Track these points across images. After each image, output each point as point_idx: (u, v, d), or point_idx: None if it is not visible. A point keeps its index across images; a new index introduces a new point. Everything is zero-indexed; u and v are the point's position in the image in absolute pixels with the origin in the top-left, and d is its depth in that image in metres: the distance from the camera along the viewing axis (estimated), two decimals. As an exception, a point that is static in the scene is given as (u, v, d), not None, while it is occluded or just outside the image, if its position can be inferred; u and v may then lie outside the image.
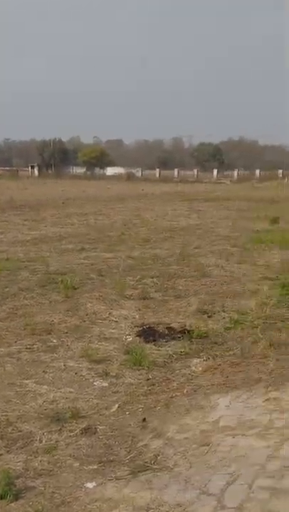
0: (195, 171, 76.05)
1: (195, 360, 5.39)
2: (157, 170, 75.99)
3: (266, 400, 4.23)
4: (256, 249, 12.71)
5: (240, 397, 4.37)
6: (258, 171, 72.94)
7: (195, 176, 73.03)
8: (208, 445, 3.61)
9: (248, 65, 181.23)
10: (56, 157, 79.83)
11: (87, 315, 7.08)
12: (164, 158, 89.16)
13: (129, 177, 70.25)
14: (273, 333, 6.17)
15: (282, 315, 6.99)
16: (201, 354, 5.59)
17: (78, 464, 3.50)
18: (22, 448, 3.71)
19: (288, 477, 3.06)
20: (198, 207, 25.89)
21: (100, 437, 3.87)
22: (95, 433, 3.93)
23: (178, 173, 75.05)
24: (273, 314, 6.98)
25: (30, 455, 3.61)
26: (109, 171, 78.09)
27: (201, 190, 43.96)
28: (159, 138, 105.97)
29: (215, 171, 74.81)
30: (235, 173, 74.73)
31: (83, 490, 3.20)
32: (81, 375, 5.06)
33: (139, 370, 5.14)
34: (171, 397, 4.53)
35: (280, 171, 72.04)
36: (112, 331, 6.45)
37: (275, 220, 18.37)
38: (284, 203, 28.59)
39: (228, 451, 3.51)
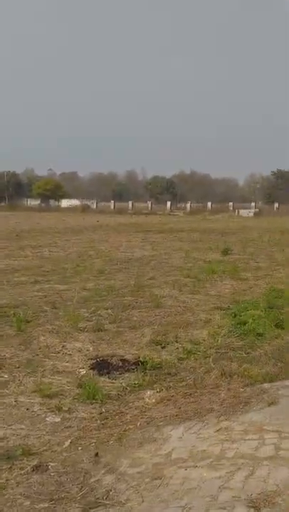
0: (149, 203, 77.05)
1: (148, 392, 5.35)
2: (112, 202, 76.55)
3: (217, 430, 4.24)
4: (209, 279, 12.86)
5: (192, 428, 4.36)
6: (209, 204, 74.46)
7: (149, 208, 73.98)
8: (160, 478, 3.57)
9: (193, 100, 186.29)
10: (10, 189, 79.36)
11: (40, 348, 6.96)
12: (119, 190, 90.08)
13: (84, 209, 70.50)
14: (225, 362, 6.21)
15: (233, 344, 7.07)
16: (154, 386, 5.55)
17: (29, 503, 3.41)
18: None
19: (239, 508, 3.06)
20: (153, 238, 26.11)
21: (52, 474, 3.78)
22: (46, 470, 3.83)
23: (132, 205, 75.83)
24: (225, 344, 7.05)
25: (-21, 495, 3.49)
26: (64, 203, 78.14)
27: (155, 221, 44.46)
28: (113, 171, 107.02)
29: (168, 203, 75.99)
30: (188, 205, 76.09)
31: (34, 529, 3.11)
32: (33, 411, 4.95)
33: (92, 404, 5.07)
34: (124, 431, 4.47)
35: (231, 204, 73.82)
36: (66, 364, 6.35)
37: (226, 251, 18.73)
38: (234, 234, 29.24)
39: (180, 483, 3.48)
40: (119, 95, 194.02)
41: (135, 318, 8.72)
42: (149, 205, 75.58)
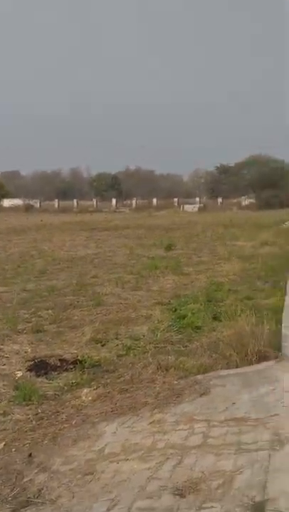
0: (94, 200, 76.82)
1: (85, 390, 5.40)
2: (56, 201, 75.84)
3: (150, 422, 4.35)
4: (151, 275, 13.01)
5: (126, 422, 4.45)
6: (155, 200, 74.95)
7: (94, 206, 73.78)
8: (92, 474, 3.65)
9: (138, 100, 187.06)
10: None
11: (-24, 353, 6.90)
12: (63, 188, 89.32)
13: (28, 208, 69.60)
14: (162, 356, 6.33)
15: (172, 338, 7.21)
16: (92, 383, 5.62)
17: None
18: None
19: (165, 496, 3.17)
20: (97, 236, 26.10)
21: (-16, 478, 3.79)
22: (-22, 474, 3.84)
23: (77, 203, 75.41)
24: (164, 338, 7.18)
25: None
26: (6, 202, 76.69)
27: (100, 219, 44.37)
28: (57, 168, 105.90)
29: (114, 201, 75.97)
30: (134, 202, 76.30)
31: None
32: None
33: (28, 406, 5.07)
34: (60, 430, 4.51)
35: (176, 200, 74.61)
36: (2, 367, 6.32)
37: (169, 247, 18.96)
38: (179, 230, 29.59)
39: (111, 477, 3.57)
40: (66, 93, 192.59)
41: (76, 318, 8.74)
42: (95, 203, 75.42)
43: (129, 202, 78.24)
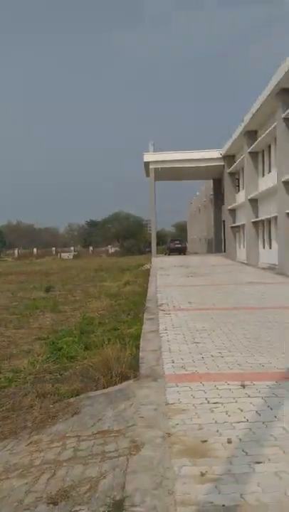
0: (-21, 252, 73.47)
1: None
2: None
3: (29, 443, 4.22)
4: (32, 314, 12.72)
5: (7, 446, 4.27)
6: (35, 249, 73.78)
7: (-20, 256, 70.47)
8: (-25, 495, 3.44)
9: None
10: None
11: None
12: None
13: None
14: (41, 385, 6.17)
15: (50, 368, 7.08)
16: (-25, 415, 5.32)
17: None
18: None
19: (40, 506, 3.09)
20: (-18, 283, 24.92)
21: None
22: None
23: None
24: (42, 369, 7.03)
25: None
26: None
27: (-15, 268, 42.46)
28: None
29: (-2, 251, 73.32)
30: (16, 251, 74.36)
31: None
32: None
33: None
34: None
35: (54, 249, 74.16)
36: None
37: (48, 289, 18.70)
38: (57, 274, 29.30)
39: (-8, 496, 3.40)
40: None
41: None
42: (-20, 254, 72.27)
43: (12, 251, 76.01)
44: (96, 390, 5.71)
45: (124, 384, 5.58)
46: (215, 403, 4.60)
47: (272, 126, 22.39)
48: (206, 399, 4.74)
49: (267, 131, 23.63)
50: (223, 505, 2.83)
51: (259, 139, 25.78)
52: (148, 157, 38.64)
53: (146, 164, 38.97)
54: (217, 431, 3.95)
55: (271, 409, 4.39)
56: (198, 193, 63.60)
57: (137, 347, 7.36)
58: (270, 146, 25.69)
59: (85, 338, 8.87)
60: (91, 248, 77.46)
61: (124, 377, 5.91)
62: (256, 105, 24.38)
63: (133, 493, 3.05)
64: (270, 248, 25.64)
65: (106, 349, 6.69)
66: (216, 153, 37.84)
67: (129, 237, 77.06)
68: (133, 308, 12.33)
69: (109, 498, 3.08)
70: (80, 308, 13.57)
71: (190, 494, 2.98)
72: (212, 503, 2.87)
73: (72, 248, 78.38)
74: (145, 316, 10.31)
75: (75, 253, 72.48)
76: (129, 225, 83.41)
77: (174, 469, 3.31)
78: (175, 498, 2.95)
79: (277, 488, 3.01)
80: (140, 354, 6.77)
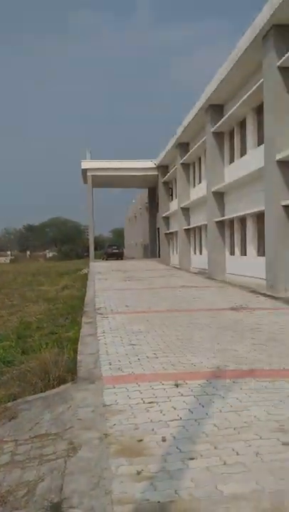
0: None
1: None
2: None
3: None
4: None
5: None
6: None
7: None
8: None
9: None
10: None
11: None
12: None
13: None
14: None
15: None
16: None
17: None
18: None
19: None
20: None
21: None
22: None
23: None
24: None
25: None
26: None
27: None
28: None
29: None
30: None
31: None
32: None
33: None
34: None
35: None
36: None
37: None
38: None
39: None
40: None
41: None
42: None
43: None
44: (34, 394, 5.55)
45: (62, 387, 5.47)
46: (150, 403, 4.63)
47: (202, 139, 23.03)
48: (142, 399, 4.75)
49: (197, 144, 24.27)
50: (159, 502, 2.85)
51: (190, 151, 26.41)
52: (85, 164, 38.47)
53: (84, 171, 38.77)
54: (152, 430, 3.97)
55: (203, 406, 4.49)
56: (134, 201, 64.09)
57: (75, 350, 7.25)
58: (200, 158, 26.41)
59: (22, 343, 8.62)
60: (28, 252, 75.62)
61: (62, 381, 5.80)
62: (187, 119, 24.99)
63: (71, 494, 3.00)
64: (201, 254, 26.31)
65: (44, 353, 6.53)
66: (150, 164, 38.36)
67: (67, 242, 76.14)
68: (71, 312, 12.15)
69: (47, 501, 3.00)
70: (17, 312, 13.16)
71: (127, 493, 2.97)
72: (148, 500, 2.88)
73: (8, 252, 76.13)
74: (83, 319, 10.20)
75: (12, 257, 70.45)
76: (67, 230, 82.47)
77: (111, 469, 3.29)
78: (112, 497, 2.93)
79: (209, 482, 3.07)
80: (78, 357, 6.68)
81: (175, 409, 4.44)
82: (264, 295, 13.74)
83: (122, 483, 3.10)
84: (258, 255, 17.45)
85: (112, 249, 49.81)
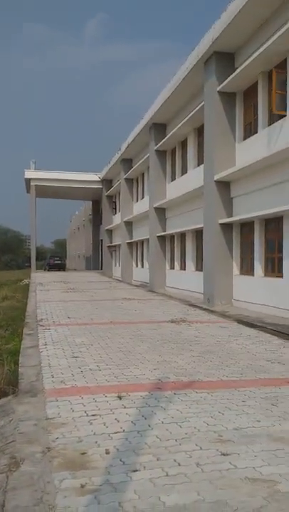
0: None
1: None
2: None
3: None
4: None
5: None
6: None
7: None
8: None
9: None
10: None
11: None
12: None
13: None
14: None
15: None
16: None
17: None
18: None
19: None
20: None
21: None
22: None
23: None
24: None
25: None
26: None
27: None
28: None
29: None
30: None
31: None
32: None
33: None
34: None
35: None
36: None
37: None
38: None
39: None
40: None
41: None
42: None
43: None
44: (-27, 408, 5.31)
45: (3, 400, 5.28)
46: (93, 415, 4.58)
47: (146, 156, 23.38)
48: (85, 412, 4.69)
49: (141, 161, 24.60)
50: (103, 515, 2.82)
51: (134, 167, 26.71)
52: (29, 174, 37.79)
53: (27, 181, 38.03)
54: (96, 442, 3.93)
55: (145, 418, 4.50)
56: (77, 213, 63.57)
57: (16, 363, 7.03)
58: (143, 174, 26.76)
59: None
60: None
61: (3, 394, 5.60)
62: (131, 136, 25.31)
63: (13, 510, 2.89)
64: (143, 267, 26.52)
65: (-17, 366, 6.29)
66: (95, 177, 38.35)
67: (8, 252, 73.96)
68: (12, 324, 11.75)
69: (-12, 520, 2.87)
70: None
71: (70, 507, 2.92)
72: (92, 514, 2.84)
73: None
74: (24, 331, 9.92)
75: None
76: (7, 239, 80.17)
77: (54, 483, 3.22)
78: (55, 512, 2.86)
79: (152, 493, 3.07)
80: (19, 370, 6.49)
81: (118, 421, 4.43)
82: (201, 308, 14.06)
83: (65, 497, 3.03)
84: (196, 270, 17.87)
85: (54, 260, 48.99)
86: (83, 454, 3.71)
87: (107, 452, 3.72)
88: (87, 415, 4.59)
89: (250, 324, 10.72)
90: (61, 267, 47.70)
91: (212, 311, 13.25)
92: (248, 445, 3.86)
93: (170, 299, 17.39)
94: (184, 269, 19.43)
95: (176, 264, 20.54)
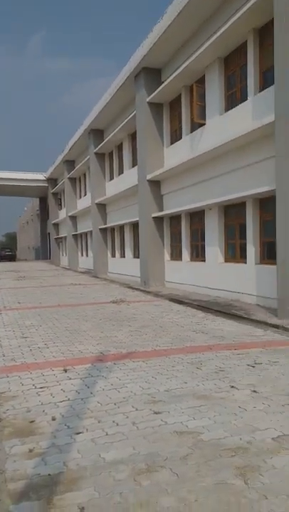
0: None
1: None
2: None
3: None
4: None
5: None
6: None
7: None
8: None
9: None
10: None
11: None
12: None
13: None
14: None
15: None
16: None
17: None
18: None
19: None
20: None
21: None
22: None
23: None
24: None
25: None
26: None
27: None
28: None
29: None
30: None
31: None
32: None
33: None
34: None
35: None
36: None
37: None
38: None
39: None
40: None
41: None
42: None
43: None
44: None
45: None
46: (41, 388, 4.46)
47: (86, 158, 22.96)
48: (34, 385, 4.56)
49: (82, 162, 24.13)
50: (49, 475, 2.75)
51: (76, 167, 26.16)
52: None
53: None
54: (43, 411, 3.82)
55: (88, 387, 4.45)
56: (26, 208, 61.46)
57: None
58: (85, 174, 26.29)
59: None
60: None
61: None
62: (73, 140, 24.71)
63: None
64: (87, 256, 26.20)
65: None
66: (41, 176, 37.16)
67: None
68: None
69: None
70: None
71: (20, 470, 2.82)
72: (39, 474, 2.76)
73: None
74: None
75: None
76: None
77: (5, 450, 3.09)
78: (5, 476, 2.75)
79: (93, 451, 3.04)
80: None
81: (64, 391, 4.34)
82: (138, 290, 14.15)
83: (15, 462, 2.93)
84: (134, 257, 17.93)
85: (5, 251, 47.15)
86: (32, 422, 3.60)
87: (54, 419, 3.64)
88: (36, 388, 4.46)
89: (179, 301, 10.94)
90: (12, 258, 46.05)
91: (148, 292, 13.38)
92: (176, 403, 3.94)
93: (112, 283, 17.34)
94: (124, 257, 19.42)
95: (117, 253, 20.47)
